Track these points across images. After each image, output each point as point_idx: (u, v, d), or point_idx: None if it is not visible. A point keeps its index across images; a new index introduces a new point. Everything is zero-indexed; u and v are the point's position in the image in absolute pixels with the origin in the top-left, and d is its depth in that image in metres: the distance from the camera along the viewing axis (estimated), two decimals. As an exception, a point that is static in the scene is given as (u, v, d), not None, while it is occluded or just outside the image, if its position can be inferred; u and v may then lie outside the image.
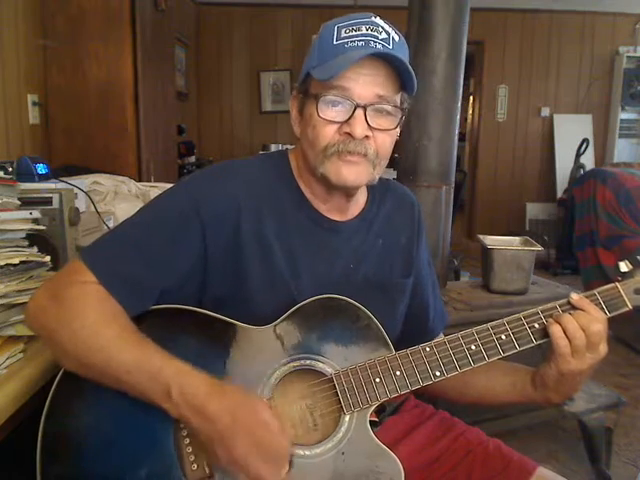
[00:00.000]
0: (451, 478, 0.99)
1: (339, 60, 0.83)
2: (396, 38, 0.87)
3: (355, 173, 0.87)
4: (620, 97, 5.48)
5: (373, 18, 0.87)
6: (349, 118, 0.85)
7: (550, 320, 0.87)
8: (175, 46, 3.80)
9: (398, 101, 0.88)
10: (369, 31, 0.85)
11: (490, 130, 5.66)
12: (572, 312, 0.87)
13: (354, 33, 0.85)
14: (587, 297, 0.89)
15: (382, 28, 0.86)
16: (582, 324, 0.85)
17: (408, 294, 1.04)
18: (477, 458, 0.99)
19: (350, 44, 0.84)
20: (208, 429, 0.73)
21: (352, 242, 0.97)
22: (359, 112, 0.84)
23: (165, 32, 3.06)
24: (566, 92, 5.63)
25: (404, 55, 0.86)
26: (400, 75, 0.86)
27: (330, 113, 0.85)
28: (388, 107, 0.86)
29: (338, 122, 0.85)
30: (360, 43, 0.84)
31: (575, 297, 0.88)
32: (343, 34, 0.85)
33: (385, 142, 0.89)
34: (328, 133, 0.86)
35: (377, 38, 0.84)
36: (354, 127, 0.84)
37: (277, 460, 0.75)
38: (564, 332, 0.85)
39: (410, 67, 0.84)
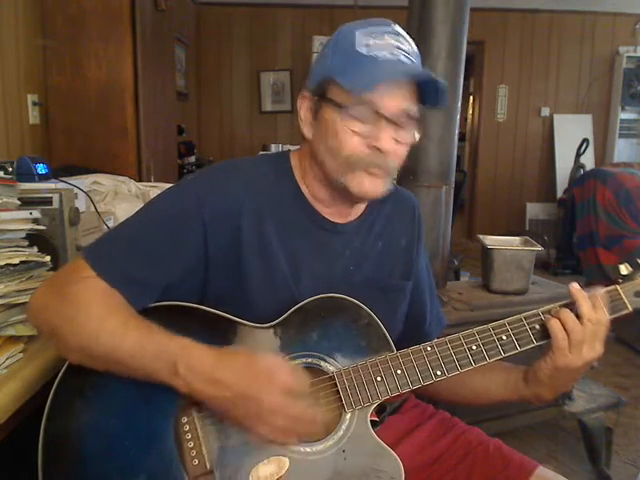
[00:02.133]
0: (451, 478, 0.99)
1: (372, 72, 0.82)
2: (414, 47, 0.87)
3: (376, 186, 0.88)
4: (620, 97, 5.48)
5: (393, 26, 0.87)
6: (377, 132, 0.84)
7: (548, 316, 0.87)
8: (175, 46, 3.80)
9: (418, 113, 0.88)
10: (394, 41, 0.84)
11: (490, 130, 5.67)
12: (572, 308, 0.87)
13: (380, 42, 0.83)
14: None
15: (403, 38, 0.86)
16: (581, 313, 0.85)
17: (408, 296, 1.04)
18: (477, 458, 0.99)
19: (380, 55, 0.83)
20: (226, 394, 0.74)
21: (352, 244, 0.97)
22: (388, 127, 0.84)
23: (165, 32, 3.07)
24: (566, 92, 5.63)
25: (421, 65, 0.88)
26: (423, 89, 0.86)
27: (358, 125, 0.84)
28: (413, 121, 0.87)
29: (365, 134, 0.85)
30: (389, 55, 0.83)
31: (574, 286, 0.88)
32: (369, 42, 0.83)
33: (404, 154, 0.90)
34: (353, 144, 0.85)
35: (402, 49, 0.85)
36: (384, 143, 0.84)
37: (302, 392, 0.76)
38: (563, 326, 0.85)
39: (445, 86, 0.85)
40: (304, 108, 0.91)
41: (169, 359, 0.75)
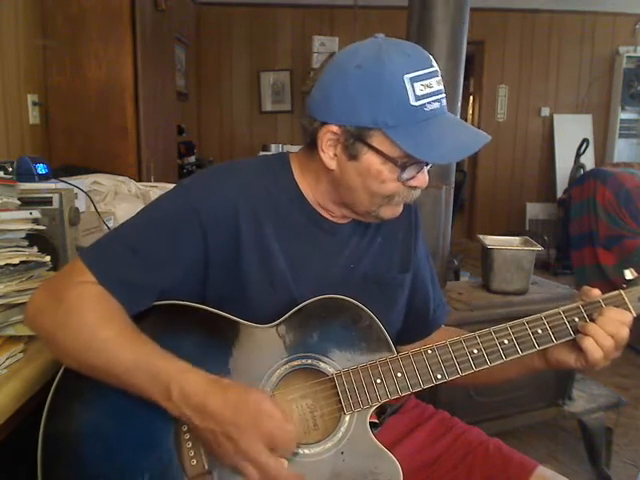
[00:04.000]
0: (451, 478, 0.99)
1: (438, 142, 0.82)
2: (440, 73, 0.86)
3: (401, 208, 0.94)
4: (620, 97, 5.48)
5: (431, 60, 0.85)
6: (418, 174, 0.87)
7: (579, 335, 0.86)
8: (175, 46, 3.80)
9: None
10: (437, 85, 0.83)
11: (490, 130, 5.56)
12: (595, 318, 0.86)
13: (429, 90, 0.82)
14: (592, 304, 0.88)
15: (438, 71, 0.85)
16: (610, 332, 0.85)
17: (407, 289, 1.04)
18: (477, 458, 0.99)
19: (435, 110, 0.83)
20: (211, 426, 0.74)
21: (351, 242, 0.97)
22: (426, 167, 0.88)
23: (165, 32, 3.07)
24: (566, 92, 5.63)
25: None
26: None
27: (405, 176, 0.86)
28: None
29: (406, 178, 0.87)
30: (435, 105, 0.83)
31: (581, 325, 0.87)
32: (421, 91, 0.81)
33: None
34: (395, 186, 0.87)
35: (442, 91, 0.85)
36: (422, 182, 0.89)
37: (284, 448, 0.75)
38: (596, 342, 0.84)
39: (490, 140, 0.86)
40: (330, 142, 0.87)
41: (164, 382, 0.74)
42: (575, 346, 0.87)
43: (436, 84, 0.83)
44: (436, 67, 0.85)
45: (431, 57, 0.85)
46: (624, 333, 0.85)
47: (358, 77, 0.83)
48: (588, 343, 0.85)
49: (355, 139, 0.84)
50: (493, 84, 5.61)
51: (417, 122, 0.82)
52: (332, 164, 0.88)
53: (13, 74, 2.25)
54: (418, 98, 0.81)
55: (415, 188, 0.89)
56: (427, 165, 0.88)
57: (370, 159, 0.85)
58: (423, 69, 0.82)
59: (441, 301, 1.13)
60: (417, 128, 0.82)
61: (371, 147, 0.84)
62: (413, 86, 0.81)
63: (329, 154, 0.88)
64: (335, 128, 0.85)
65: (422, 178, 0.88)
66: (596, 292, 0.90)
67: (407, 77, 0.81)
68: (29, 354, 0.94)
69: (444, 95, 0.85)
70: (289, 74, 5.37)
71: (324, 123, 0.86)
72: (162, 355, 0.77)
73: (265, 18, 5.25)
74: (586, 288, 0.91)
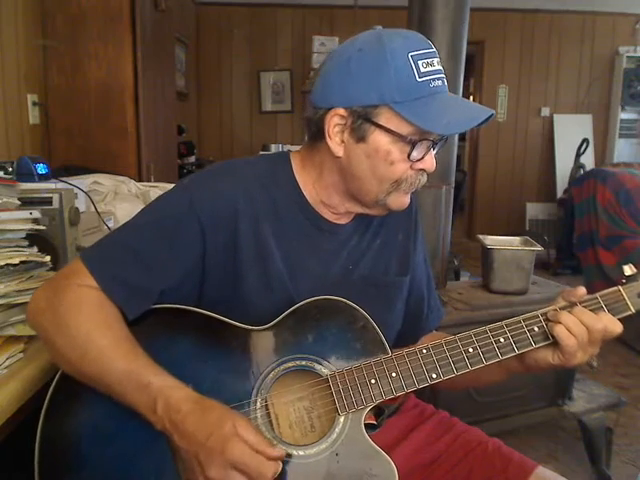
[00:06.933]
0: (451, 478, 0.99)
1: (444, 113, 0.82)
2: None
3: (409, 199, 0.92)
4: (620, 97, 5.48)
5: (432, 45, 0.86)
6: (426, 155, 0.86)
7: (551, 324, 0.85)
8: (175, 46, 3.79)
9: None
10: (437, 65, 0.84)
11: (490, 130, 5.67)
12: (571, 310, 0.85)
13: (431, 69, 0.83)
14: (589, 301, 0.87)
15: (436, 52, 0.86)
16: (584, 321, 0.83)
17: (406, 291, 1.04)
18: (477, 458, 0.99)
19: (437, 87, 0.83)
20: (185, 446, 0.73)
21: (350, 243, 0.97)
22: (432, 149, 0.87)
23: (165, 32, 3.06)
24: (566, 92, 5.63)
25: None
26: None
27: (412, 152, 0.85)
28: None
29: (414, 159, 0.86)
30: (439, 82, 0.84)
31: (551, 313, 0.86)
32: (425, 69, 0.82)
33: None
34: (405, 169, 0.86)
35: (443, 72, 0.85)
36: (430, 165, 0.87)
37: (258, 475, 0.71)
38: (569, 331, 0.83)
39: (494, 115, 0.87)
40: (337, 127, 0.87)
41: (151, 395, 0.74)
42: (553, 344, 0.86)
43: (437, 64, 0.84)
44: (435, 49, 0.86)
45: (429, 41, 0.87)
46: (599, 326, 0.83)
47: (361, 58, 0.84)
48: (560, 330, 0.83)
49: (362, 119, 0.84)
50: (493, 84, 5.61)
51: (423, 97, 0.83)
52: (339, 150, 0.88)
53: (13, 74, 2.25)
54: (422, 75, 0.82)
55: (423, 172, 0.89)
56: (433, 149, 0.88)
57: (378, 139, 0.85)
58: (424, 49, 0.84)
59: (435, 306, 1.12)
60: (423, 103, 0.82)
61: (379, 126, 0.84)
62: (417, 63, 0.82)
63: (336, 140, 0.87)
64: (341, 111, 0.85)
65: (430, 160, 0.87)
66: (581, 291, 0.88)
67: (410, 55, 0.82)
68: (29, 354, 0.94)
69: (445, 75, 0.86)
70: (289, 74, 5.37)
71: (330, 108, 0.86)
72: (154, 369, 0.77)
73: (265, 18, 5.26)
74: (571, 290, 0.89)
